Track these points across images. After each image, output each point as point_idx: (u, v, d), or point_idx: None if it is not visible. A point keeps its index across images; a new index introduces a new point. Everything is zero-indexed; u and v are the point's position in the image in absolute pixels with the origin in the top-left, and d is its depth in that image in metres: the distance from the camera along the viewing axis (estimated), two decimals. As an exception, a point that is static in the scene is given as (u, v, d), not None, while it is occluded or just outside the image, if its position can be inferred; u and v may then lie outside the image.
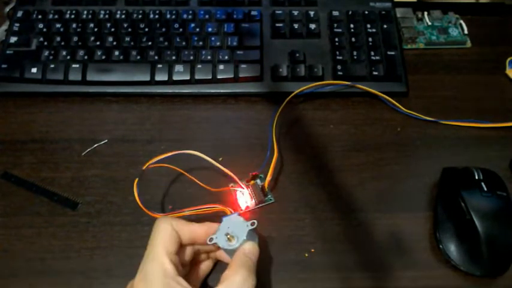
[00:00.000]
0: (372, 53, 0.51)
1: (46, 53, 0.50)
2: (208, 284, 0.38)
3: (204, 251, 0.37)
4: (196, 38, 0.51)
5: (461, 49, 0.55)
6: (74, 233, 0.41)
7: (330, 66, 0.51)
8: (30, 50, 0.51)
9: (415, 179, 0.44)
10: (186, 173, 0.42)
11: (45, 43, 0.51)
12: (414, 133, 0.48)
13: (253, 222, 0.35)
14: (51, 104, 0.50)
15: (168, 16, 0.53)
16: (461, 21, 0.56)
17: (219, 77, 0.49)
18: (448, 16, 0.57)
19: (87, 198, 0.43)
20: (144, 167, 0.39)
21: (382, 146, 0.47)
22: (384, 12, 0.54)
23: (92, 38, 0.51)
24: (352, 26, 0.53)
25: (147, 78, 0.49)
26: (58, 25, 0.52)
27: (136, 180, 0.39)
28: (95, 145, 0.46)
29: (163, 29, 0.52)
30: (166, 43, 0.51)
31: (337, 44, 0.51)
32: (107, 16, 0.53)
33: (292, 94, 0.48)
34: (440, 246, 0.40)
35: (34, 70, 0.49)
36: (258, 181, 0.43)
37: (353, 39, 0.52)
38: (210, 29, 0.52)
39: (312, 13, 0.54)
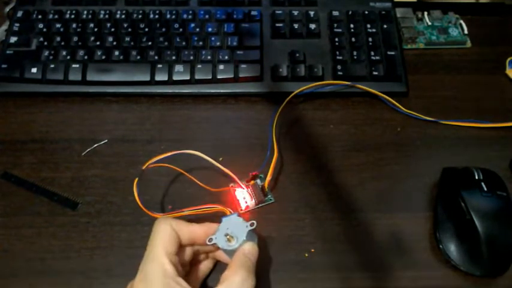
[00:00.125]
0: (372, 53, 0.51)
1: (46, 53, 0.50)
2: (208, 285, 0.38)
3: (204, 251, 0.37)
4: (196, 38, 0.51)
5: (461, 49, 0.55)
6: (74, 233, 0.41)
7: (330, 66, 0.51)
8: (30, 50, 0.51)
9: (415, 179, 0.44)
10: (185, 173, 0.42)
11: (45, 43, 0.51)
12: (414, 133, 0.48)
13: (253, 223, 0.35)
14: (51, 104, 0.50)
15: (168, 16, 0.53)
16: (461, 21, 0.56)
17: (219, 77, 0.49)
18: (448, 16, 0.57)
19: (87, 198, 0.43)
20: (144, 167, 0.39)
21: (382, 146, 0.47)
22: (384, 12, 0.54)
23: (92, 38, 0.51)
24: (352, 26, 0.53)
25: (147, 78, 0.49)
26: (58, 25, 0.52)
27: (136, 180, 0.39)
28: (95, 145, 0.46)
29: (163, 29, 0.52)
30: (166, 43, 0.51)
31: (337, 44, 0.51)
32: (107, 16, 0.53)
33: (292, 94, 0.48)
34: (440, 246, 0.40)
35: (34, 70, 0.49)
36: (258, 181, 0.43)
37: (353, 39, 0.52)
38: (210, 29, 0.52)
39: (312, 13, 0.54)
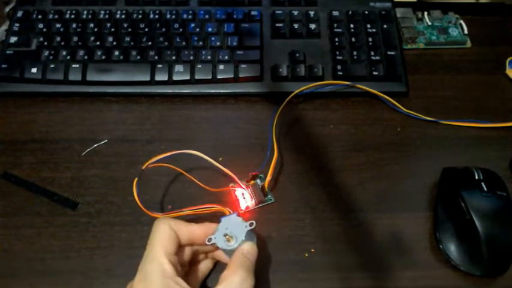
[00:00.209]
0: (372, 53, 0.51)
1: (46, 53, 0.50)
2: (207, 285, 0.38)
3: (203, 251, 0.37)
4: (196, 38, 0.51)
5: (461, 49, 0.55)
6: (74, 233, 0.41)
7: (330, 66, 0.51)
8: (30, 50, 0.51)
9: (415, 179, 0.44)
10: (185, 173, 0.42)
11: (45, 43, 0.51)
12: (414, 133, 0.48)
13: (252, 223, 0.35)
14: (51, 104, 0.50)
15: (168, 16, 0.53)
16: (461, 21, 0.56)
17: (219, 77, 0.49)
18: (448, 16, 0.57)
19: (87, 198, 0.43)
20: (144, 167, 0.39)
21: (382, 146, 0.47)
22: (384, 12, 0.54)
23: (92, 38, 0.51)
24: (352, 26, 0.53)
25: (147, 78, 0.49)
26: (58, 25, 0.52)
27: (136, 180, 0.39)
28: (95, 145, 0.46)
29: (163, 29, 0.52)
30: (166, 43, 0.51)
31: (337, 44, 0.51)
32: (107, 16, 0.53)
33: (292, 94, 0.48)
34: (440, 246, 0.40)
35: (34, 70, 0.49)
36: (258, 181, 0.43)
37: (353, 39, 0.52)
38: (210, 29, 0.52)
39: (312, 13, 0.54)
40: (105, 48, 0.51)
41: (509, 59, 0.53)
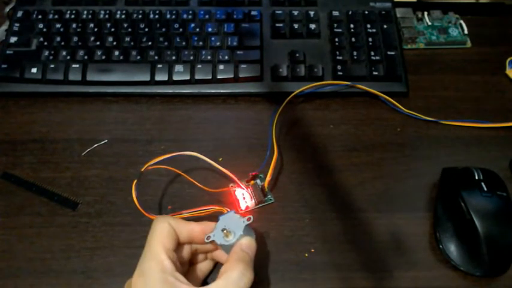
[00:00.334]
0: (372, 53, 0.51)
1: (46, 53, 0.50)
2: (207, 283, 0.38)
3: (202, 251, 0.37)
4: (196, 38, 0.51)
5: (461, 49, 0.55)
6: (74, 233, 0.41)
7: (330, 66, 0.51)
8: (30, 50, 0.51)
9: (415, 179, 0.44)
10: (184, 175, 0.42)
11: (45, 43, 0.51)
12: (414, 133, 0.48)
13: (249, 218, 0.35)
14: (51, 104, 0.50)
15: (168, 16, 0.53)
16: (461, 21, 0.56)
17: (219, 77, 0.49)
18: (448, 16, 0.57)
19: (87, 198, 0.43)
20: (143, 169, 0.39)
21: (382, 146, 0.47)
22: (384, 12, 0.54)
23: (92, 38, 0.51)
24: (352, 26, 0.53)
25: (147, 78, 0.49)
26: (58, 25, 0.52)
27: (135, 181, 0.39)
28: (95, 145, 0.46)
29: (163, 29, 0.52)
30: (166, 43, 0.51)
31: (337, 44, 0.51)
32: (107, 16, 0.53)
33: (292, 94, 0.48)
34: (440, 246, 0.40)
35: (34, 70, 0.49)
36: (258, 181, 0.43)
37: (353, 40, 0.52)
38: (210, 29, 0.52)
39: (312, 13, 0.54)
40: (105, 48, 0.51)
41: (509, 59, 0.53)
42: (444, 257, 0.39)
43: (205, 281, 0.38)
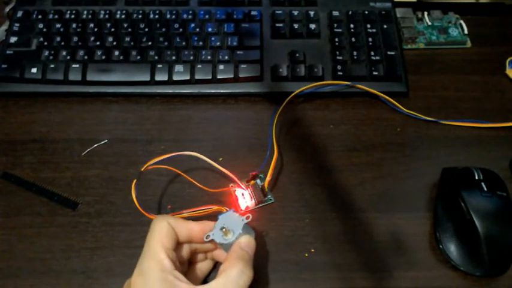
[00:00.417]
0: (372, 53, 0.51)
1: (46, 53, 0.50)
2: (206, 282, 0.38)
3: (202, 250, 0.37)
4: (196, 38, 0.51)
5: (461, 49, 0.55)
6: (74, 233, 0.41)
7: (330, 66, 0.51)
8: (30, 50, 0.51)
9: (415, 179, 0.44)
10: (184, 175, 0.42)
11: (45, 43, 0.51)
12: (414, 133, 0.48)
13: (248, 216, 0.36)
14: (51, 104, 0.50)
15: (168, 16, 0.53)
16: (461, 21, 0.56)
17: (219, 77, 0.49)
18: (448, 16, 0.57)
19: (87, 198, 0.43)
20: (143, 169, 0.39)
21: (382, 146, 0.47)
22: (384, 12, 0.54)
23: (92, 38, 0.51)
24: (352, 26, 0.53)
25: (147, 78, 0.49)
26: (58, 25, 0.52)
27: (134, 181, 0.39)
28: (95, 145, 0.46)
29: (163, 29, 0.52)
30: (166, 43, 0.51)
31: (337, 44, 0.51)
32: (107, 16, 0.53)
33: (292, 94, 0.48)
34: (440, 246, 0.40)
35: (34, 70, 0.49)
36: (258, 181, 0.43)
37: (353, 40, 0.52)
38: (210, 29, 0.52)
39: (312, 13, 0.54)
40: (105, 48, 0.51)
41: (509, 59, 0.53)
42: (444, 257, 0.39)
43: (206, 280, 0.38)
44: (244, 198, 0.42)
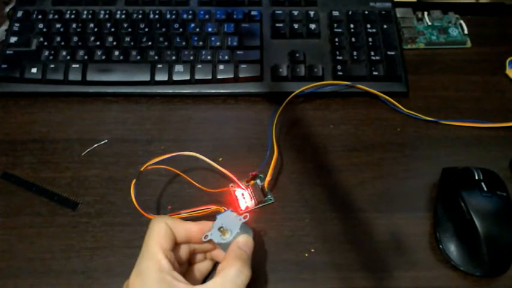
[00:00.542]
0: (372, 53, 0.51)
1: (46, 53, 0.50)
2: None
3: (201, 251, 0.37)
4: (196, 38, 0.51)
5: (461, 49, 0.55)
6: (74, 233, 0.41)
7: (330, 66, 0.51)
8: (30, 50, 0.51)
9: (415, 179, 0.44)
10: (184, 175, 0.42)
11: (45, 43, 0.51)
12: (414, 133, 0.48)
13: (246, 215, 0.36)
14: (51, 104, 0.50)
15: (168, 16, 0.53)
16: (461, 21, 0.56)
17: (219, 77, 0.49)
18: (448, 16, 0.57)
19: (87, 198, 0.43)
20: (142, 169, 0.39)
21: (382, 146, 0.47)
22: (384, 12, 0.54)
23: (92, 38, 0.51)
24: (352, 26, 0.53)
25: (147, 78, 0.49)
26: (58, 25, 0.52)
27: (134, 181, 0.39)
28: (95, 145, 0.46)
29: (163, 29, 0.52)
30: (166, 43, 0.51)
31: (337, 44, 0.51)
32: (107, 16, 0.53)
33: (293, 94, 0.48)
34: (440, 246, 0.40)
35: (34, 70, 0.49)
36: (258, 181, 0.43)
37: (353, 40, 0.52)
38: (210, 29, 0.52)
39: (312, 13, 0.54)
40: (105, 48, 0.51)
41: (509, 59, 0.53)
42: (444, 257, 0.39)
43: (205, 281, 0.38)
44: (244, 198, 0.42)
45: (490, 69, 0.53)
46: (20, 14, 0.53)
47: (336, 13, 0.54)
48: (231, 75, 0.49)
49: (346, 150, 0.46)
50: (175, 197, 0.43)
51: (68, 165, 0.45)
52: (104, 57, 0.50)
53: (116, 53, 0.50)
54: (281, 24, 0.53)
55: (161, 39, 0.51)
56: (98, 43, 0.51)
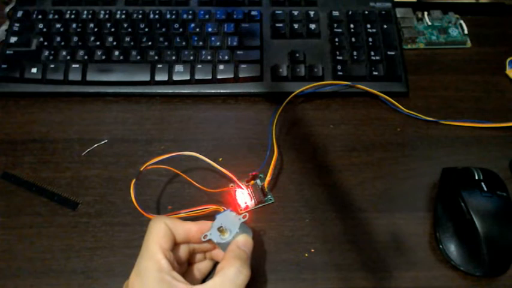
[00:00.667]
0: (372, 53, 0.51)
1: (46, 53, 0.50)
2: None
3: (201, 251, 0.37)
4: (196, 38, 0.51)
5: (461, 49, 0.55)
6: (74, 233, 0.41)
7: (330, 66, 0.51)
8: (30, 50, 0.51)
9: (415, 179, 0.44)
10: (184, 175, 0.42)
11: (45, 43, 0.51)
12: (414, 133, 0.48)
13: (245, 215, 0.36)
14: (51, 104, 0.50)
15: (168, 16, 0.53)
16: (461, 21, 0.56)
17: (219, 77, 0.49)
18: (448, 16, 0.57)
19: (87, 198, 0.43)
20: (142, 169, 0.39)
21: (382, 146, 0.47)
22: (384, 12, 0.54)
23: (92, 38, 0.51)
24: (352, 26, 0.53)
25: (147, 78, 0.49)
26: (58, 25, 0.52)
27: (133, 181, 0.39)
28: (95, 145, 0.46)
29: (163, 29, 0.52)
30: (166, 43, 0.51)
31: (337, 44, 0.51)
32: (107, 16, 0.53)
33: (293, 94, 0.48)
34: (440, 246, 0.40)
35: (34, 70, 0.49)
36: (258, 181, 0.43)
37: (353, 40, 0.52)
38: (210, 29, 0.52)
39: (312, 13, 0.54)
40: (105, 48, 0.51)
41: (509, 59, 0.53)
42: (444, 257, 0.39)
43: (205, 280, 0.38)
44: (244, 198, 0.42)
45: (490, 69, 0.53)
46: (20, 14, 0.53)
47: (336, 13, 0.54)
48: (231, 75, 0.49)
49: (346, 150, 0.46)
50: (175, 197, 0.43)
51: (68, 165, 0.45)
52: (104, 57, 0.50)
53: (116, 53, 0.50)
54: (281, 24, 0.53)
55: (161, 39, 0.51)
56: (98, 43, 0.51)
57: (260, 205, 0.42)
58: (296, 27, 0.52)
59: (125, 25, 0.52)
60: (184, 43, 0.51)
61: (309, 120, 0.49)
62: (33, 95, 0.50)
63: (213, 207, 0.39)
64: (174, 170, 0.42)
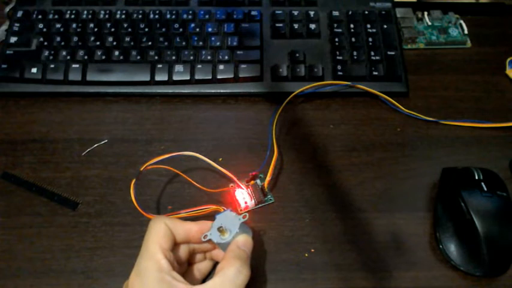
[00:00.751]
0: (372, 53, 0.51)
1: (46, 53, 0.50)
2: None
3: (201, 251, 0.37)
4: (196, 38, 0.51)
5: (461, 49, 0.55)
6: (74, 233, 0.41)
7: (330, 66, 0.51)
8: (30, 50, 0.51)
9: (415, 179, 0.44)
10: (184, 175, 0.42)
11: (45, 43, 0.51)
12: (414, 133, 0.48)
13: (245, 215, 0.36)
14: (51, 104, 0.50)
15: (168, 16, 0.53)
16: (461, 21, 0.56)
17: (219, 77, 0.49)
18: (448, 16, 0.57)
19: (87, 198, 0.43)
20: (142, 169, 0.39)
21: (382, 146, 0.47)
22: (383, 12, 0.54)
23: (92, 38, 0.51)
24: (352, 26, 0.53)
25: (147, 78, 0.49)
26: (58, 25, 0.52)
27: (133, 181, 0.39)
28: (95, 145, 0.46)
29: (163, 29, 0.52)
30: (166, 43, 0.51)
31: (337, 44, 0.51)
32: (107, 16, 0.53)
33: (293, 94, 0.48)
34: (440, 246, 0.40)
35: (34, 70, 0.49)
36: (258, 181, 0.43)
37: (353, 40, 0.52)
38: (210, 29, 0.52)
39: (312, 13, 0.54)
40: (105, 48, 0.51)
41: (509, 59, 0.53)
42: (444, 257, 0.39)
43: (205, 280, 0.38)
44: (244, 198, 0.42)
45: (490, 69, 0.53)
46: (20, 14, 0.53)
47: (336, 13, 0.54)
48: (231, 75, 0.49)
49: (346, 150, 0.46)
50: (175, 197, 0.43)
51: (68, 165, 0.45)
52: (104, 57, 0.50)
53: (116, 53, 0.50)
54: (281, 24, 0.53)
55: (161, 39, 0.51)
56: (98, 43, 0.51)
57: (260, 205, 0.42)
58: (296, 27, 0.52)
59: (125, 25, 0.52)
60: (184, 43, 0.51)
61: (309, 120, 0.49)
62: (33, 95, 0.50)
63: (213, 207, 0.39)
64: (174, 170, 0.42)
